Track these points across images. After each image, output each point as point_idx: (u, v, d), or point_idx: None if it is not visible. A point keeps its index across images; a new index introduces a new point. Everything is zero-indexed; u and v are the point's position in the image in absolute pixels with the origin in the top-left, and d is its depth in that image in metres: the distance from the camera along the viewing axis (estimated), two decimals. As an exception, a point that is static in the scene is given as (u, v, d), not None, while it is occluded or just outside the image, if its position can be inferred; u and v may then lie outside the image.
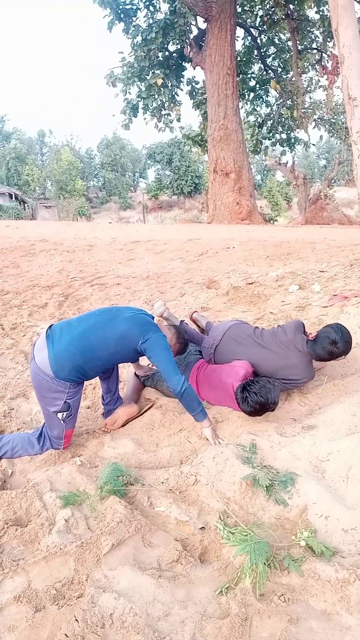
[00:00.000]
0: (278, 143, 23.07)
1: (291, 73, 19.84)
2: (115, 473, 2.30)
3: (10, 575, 1.78)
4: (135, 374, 3.51)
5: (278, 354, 3.00)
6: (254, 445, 2.46)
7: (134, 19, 19.37)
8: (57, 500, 2.20)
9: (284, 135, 23.01)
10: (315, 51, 20.05)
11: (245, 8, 19.85)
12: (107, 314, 2.82)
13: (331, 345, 2.83)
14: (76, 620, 1.51)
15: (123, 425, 3.10)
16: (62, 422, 2.70)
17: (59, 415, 2.68)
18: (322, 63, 19.52)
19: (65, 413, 2.68)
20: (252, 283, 5.40)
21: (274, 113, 21.79)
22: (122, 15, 19.03)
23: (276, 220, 26.54)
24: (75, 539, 1.94)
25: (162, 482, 2.34)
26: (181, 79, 20.85)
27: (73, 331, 2.68)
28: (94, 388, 3.63)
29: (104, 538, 1.91)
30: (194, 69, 19.01)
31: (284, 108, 20.81)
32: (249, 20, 20.64)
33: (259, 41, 21.08)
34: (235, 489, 2.17)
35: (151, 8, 19.24)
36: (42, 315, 5.38)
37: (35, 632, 1.52)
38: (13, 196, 39.07)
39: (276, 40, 21.06)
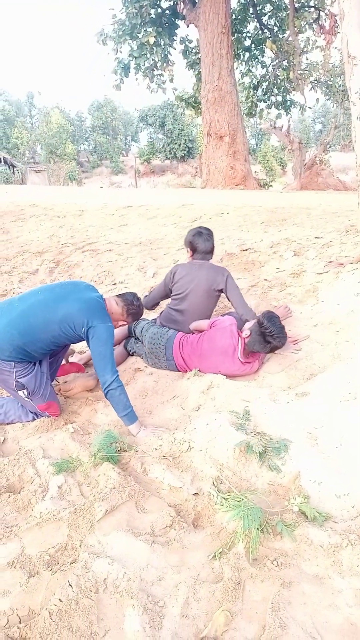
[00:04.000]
0: (273, 106, 22.48)
1: (287, 32, 19.11)
2: (109, 440, 2.29)
3: (4, 542, 1.78)
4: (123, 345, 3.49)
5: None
6: (248, 412, 2.46)
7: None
8: (50, 467, 2.19)
9: (279, 98, 22.39)
10: (312, 9, 19.32)
11: None
12: (51, 294, 2.68)
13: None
14: (70, 585, 1.51)
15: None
16: (27, 399, 2.68)
17: (21, 393, 2.67)
18: (320, 22, 18.81)
19: (24, 391, 2.65)
20: (246, 250, 5.32)
21: (269, 74, 21.14)
22: (113, -31, 18.21)
23: (271, 185, 26.15)
24: (69, 505, 1.94)
25: (156, 449, 2.34)
26: (174, 37, 20.04)
27: (13, 311, 2.58)
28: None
29: (97, 504, 1.91)
30: (188, 26, 18.23)
31: (280, 69, 20.19)
32: (244, -25, 19.82)
33: (254, -2, 20.31)
34: (228, 455, 2.17)
35: None
36: (32, 282, 5.30)
37: (29, 597, 1.52)
38: (2, 160, 38.17)
39: (273, -3, 20.28)
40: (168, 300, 3.55)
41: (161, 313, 3.56)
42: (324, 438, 2.21)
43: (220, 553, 1.69)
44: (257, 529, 1.73)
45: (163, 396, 2.91)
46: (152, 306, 3.59)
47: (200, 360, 3.05)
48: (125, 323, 2.93)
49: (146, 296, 3.64)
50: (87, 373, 3.31)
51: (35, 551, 1.72)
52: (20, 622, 1.44)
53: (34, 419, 2.75)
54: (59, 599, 1.47)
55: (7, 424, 2.75)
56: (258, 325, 2.86)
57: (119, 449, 2.30)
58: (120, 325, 2.93)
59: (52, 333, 2.59)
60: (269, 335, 2.81)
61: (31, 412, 2.75)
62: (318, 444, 2.19)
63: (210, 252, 3.42)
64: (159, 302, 3.63)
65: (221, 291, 3.35)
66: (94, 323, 2.58)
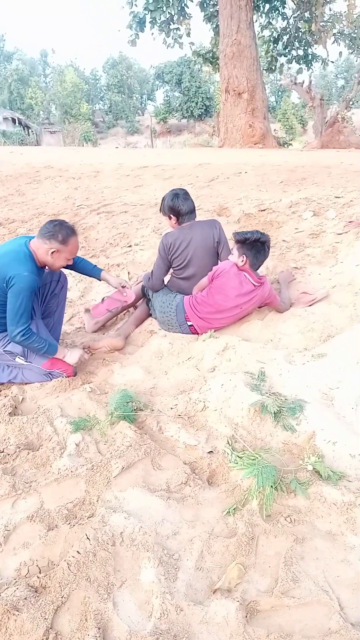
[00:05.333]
0: (294, 60, 21.60)
1: (310, -20, 18.20)
2: (125, 399, 2.32)
3: (24, 496, 1.83)
4: (145, 303, 3.47)
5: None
6: (263, 373, 2.45)
7: None
8: (67, 425, 2.23)
9: (300, 52, 21.50)
10: None
11: None
12: None
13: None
14: (87, 538, 1.56)
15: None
16: (27, 363, 2.74)
17: (18, 360, 2.72)
18: (345, -33, 17.84)
19: (19, 357, 2.71)
20: (264, 210, 5.22)
21: (290, 27, 20.24)
22: None
23: (290, 144, 25.45)
24: (86, 462, 1.98)
25: (171, 408, 2.36)
26: (191, -12, 19.28)
27: None
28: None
29: (114, 461, 1.94)
30: (206, -23, 17.50)
31: (301, 21, 19.29)
32: None
33: None
34: (243, 414, 2.18)
35: None
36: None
37: (48, 549, 1.57)
38: (16, 121, 37.71)
39: None
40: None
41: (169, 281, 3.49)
42: (339, 399, 2.20)
43: (234, 509, 1.72)
44: (271, 486, 1.74)
45: (178, 357, 2.92)
46: (161, 284, 3.39)
47: (222, 314, 3.04)
48: (67, 259, 2.74)
49: (149, 281, 3.41)
50: (115, 332, 3.32)
51: (54, 506, 1.77)
52: (40, 573, 1.49)
53: (50, 379, 2.79)
54: (77, 551, 1.51)
55: (26, 383, 2.80)
56: (241, 244, 2.93)
57: (135, 408, 2.33)
58: (63, 265, 2.79)
59: None
60: (258, 240, 2.89)
61: (43, 375, 2.79)
62: (334, 405, 2.18)
63: (193, 210, 3.22)
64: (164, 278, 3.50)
65: (217, 245, 3.24)
66: (9, 276, 2.53)
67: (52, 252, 2.62)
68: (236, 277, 2.97)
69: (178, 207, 3.16)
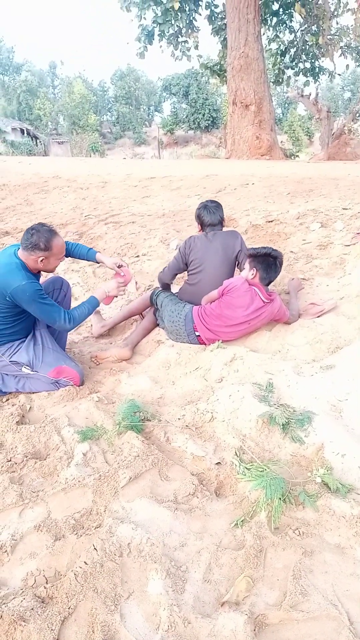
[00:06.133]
0: (301, 73, 21.73)
1: (318, -5, 18.35)
2: (133, 409, 2.32)
3: (31, 506, 1.82)
4: (153, 312, 3.48)
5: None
6: (271, 384, 2.45)
7: None
8: (75, 434, 2.23)
9: (307, 64, 21.59)
10: (344, -31, 18.44)
11: None
12: None
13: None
14: (95, 548, 1.55)
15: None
16: (33, 372, 2.76)
17: (24, 370, 2.74)
18: (352, -19, 17.98)
19: (25, 367, 2.74)
20: (272, 221, 5.24)
21: (297, 40, 20.36)
22: None
23: (297, 156, 25.52)
24: (94, 472, 1.98)
25: (179, 419, 2.36)
26: (199, 2, 19.43)
27: None
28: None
29: (121, 471, 1.94)
30: (214, -9, 17.69)
31: (309, 34, 19.39)
32: None
33: None
34: (251, 426, 2.18)
35: None
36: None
37: (55, 559, 1.57)
38: (25, 131, 38.09)
39: None
40: (185, 277, 3.50)
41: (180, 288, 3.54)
42: (348, 411, 2.19)
43: (242, 521, 1.71)
44: (280, 498, 1.73)
45: (186, 367, 2.92)
46: (171, 279, 3.52)
47: (230, 328, 3.03)
48: (58, 259, 2.73)
49: (160, 272, 3.55)
50: (122, 342, 3.33)
51: (61, 515, 1.76)
52: (46, 583, 1.48)
53: (57, 388, 2.79)
54: (84, 562, 1.51)
55: (34, 392, 2.80)
56: (253, 258, 2.96)
57: (142, 418, 2.32)
58: (57, 264, 2.78)
59: None
60: (268, 255, 2.92)
61: (50, 384, 2.79)
62: (342, 417, 2.17)
63: (217, 224, 3.36)
64: (176, 275, 3.57)
65: (237, 255, 3.32)
66: (9, 292, 2.53)
67: (41, 260, 2.62)
68: (247, 294, 2.96)
69: (203, 217, 3.35)
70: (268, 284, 3.03)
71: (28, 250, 2.57)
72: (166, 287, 3.55)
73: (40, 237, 2.55)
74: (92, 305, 2.84)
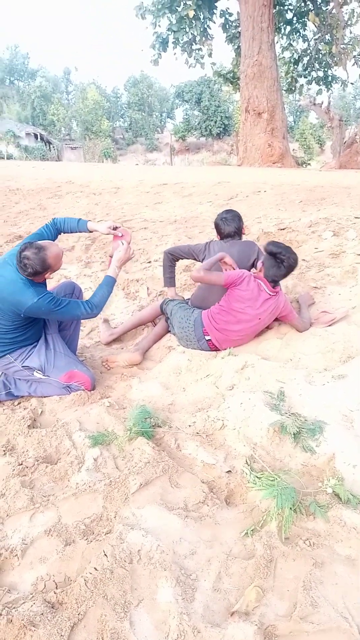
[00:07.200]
0: (314, 81, 21.79)
1: (331, 4, 18.37)
2: (143, 415, 2.32)
3: (41, 510, 1.83)
4: (165, 319, 3.49)
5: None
6: (282, 393, 2.44)
7: None
8: (86, 439, 2.24)
9: (320, 73, 21.68)
10: (358, -22, 18.46)
11: None
12: None
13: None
14: (105, 555, 1.55)
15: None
16: (45, 377, 2.78)
17: (37, 374, 2.77)
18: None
19: (37, 372, 2.76)
20: (284, 229, 5.23)
21: (311, 49, 20.45)
22: None
23: (309, 164, 25.54)
24: (104, 478, 1.98)
25: (189, 426, 2.36)
26: (214, 10, 19.58)
27: None
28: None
29: (132, 477, 1.94)
30: (228, -1, 17.81)
31: (322, 43, 19.46)
32: None
33: (297, -32, 19.54)
34: (262, 434, 2.17)
35: None
36: (69, 259, 5.35)
37: (65, 565, 1.57)
38: (39, 136, 38.46)
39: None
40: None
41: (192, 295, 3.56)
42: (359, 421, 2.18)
43: (252, 530, 1.70)
44: (290, 508, 1.72)
45: (197, 374, 2.92)
46: (175, 256, 3.58)
47: (240, 324, 3.03)
48: (59, 266, 2.70)
49: (171, 247, 3.64)
50: (133, 347, 3.34)
51: (72, 520, 1.77)
52: (56, 588, 1.48)
53: (69, 393, 2.81)
54: (95, 568, 1.51)
55: (45, 396, 2.82)
56: (266, 253, 2.97)
57: (153, 424, 2.33)
58: (60, 265, 2.73)
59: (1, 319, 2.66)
60: (279, 254, 2.90)
61: (62, 388, 2.81)
62: (354, 427, 2.16)
63: (234, 234, 3.43)
64: (178, 259, 3.64)
65: (253, 264, 3.35)
66: (22, 309, 2.56)
67: (45, 276, 2.67)
68: (253, 284, 3.00)
69: (219, 227, 3.45)
70: (272, 282, 3.01)
71: (31, 276, 2.55)
72: (167, 259, 3.62)
73: (35, 264, 2.49)
74: (109, 285, 2.86)
